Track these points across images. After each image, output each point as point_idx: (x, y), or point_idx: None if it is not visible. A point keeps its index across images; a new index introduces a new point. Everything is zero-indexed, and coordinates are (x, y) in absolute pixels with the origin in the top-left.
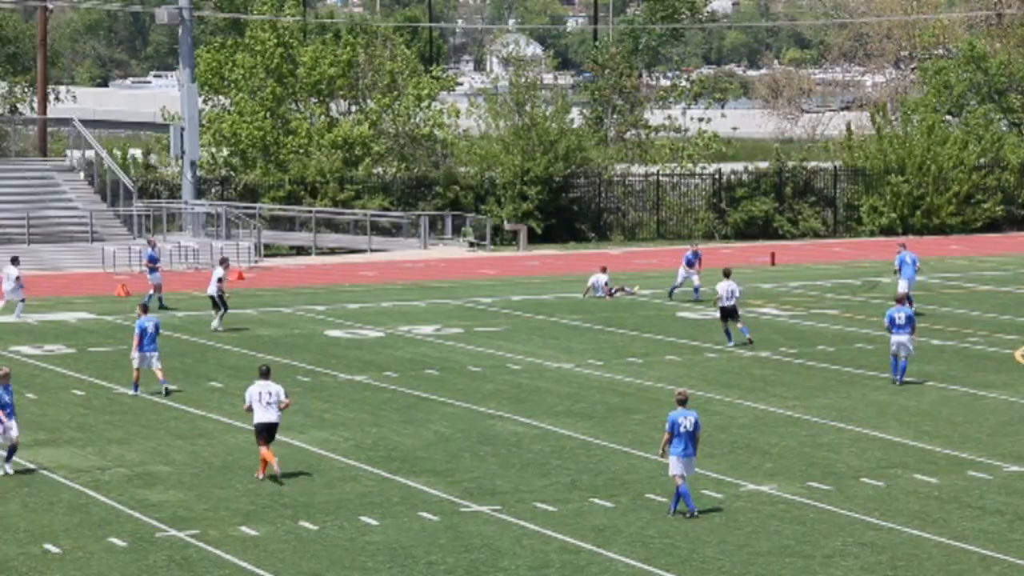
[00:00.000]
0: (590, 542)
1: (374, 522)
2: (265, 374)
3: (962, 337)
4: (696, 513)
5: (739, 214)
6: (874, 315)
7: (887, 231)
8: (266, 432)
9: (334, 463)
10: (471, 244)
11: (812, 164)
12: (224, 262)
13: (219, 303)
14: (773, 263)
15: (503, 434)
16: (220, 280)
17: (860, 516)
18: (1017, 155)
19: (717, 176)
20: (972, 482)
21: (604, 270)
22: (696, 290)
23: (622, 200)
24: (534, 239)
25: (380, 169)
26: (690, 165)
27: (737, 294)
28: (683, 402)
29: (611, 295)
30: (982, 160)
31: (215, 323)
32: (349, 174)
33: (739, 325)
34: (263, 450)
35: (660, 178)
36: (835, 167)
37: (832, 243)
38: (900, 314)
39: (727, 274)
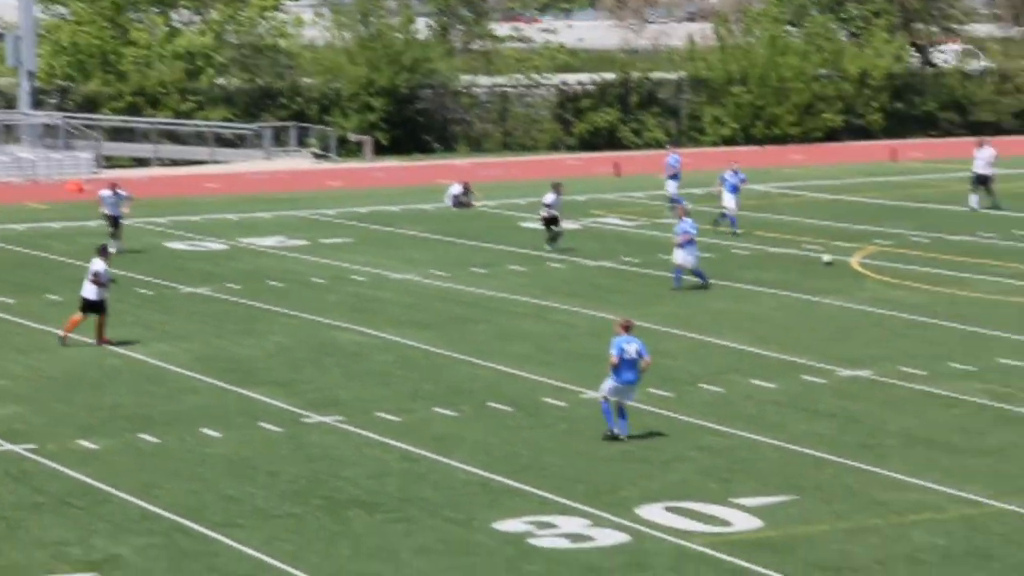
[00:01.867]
0: (431, 450)
1: (215, 434)
2: (99, 252)
3: (798, 244)
4: (620, 435)
5: (584, 125)
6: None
7: (729, 141)
8: (83, 305)
9: (174, 375)
10: (316, 156)
11: (656, 75)
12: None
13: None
14: (617, 174)
15: (345, 345)
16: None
17: (698, 421)
18: (856, 65)
19: (562, 87)
20: (807, 386)
21: (556, 187)
22: (723, 217)
23: (468, 111)
24: (380, 150)
25: (223, 80)
26: (536, 76)
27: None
28: (627, 328)
29: (462, 205)
30: (822, 70)
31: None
32: (191, 85)
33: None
34: (75, 316)
35: (506, 89)
36: (679, 78)
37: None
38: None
39: (556, 187)
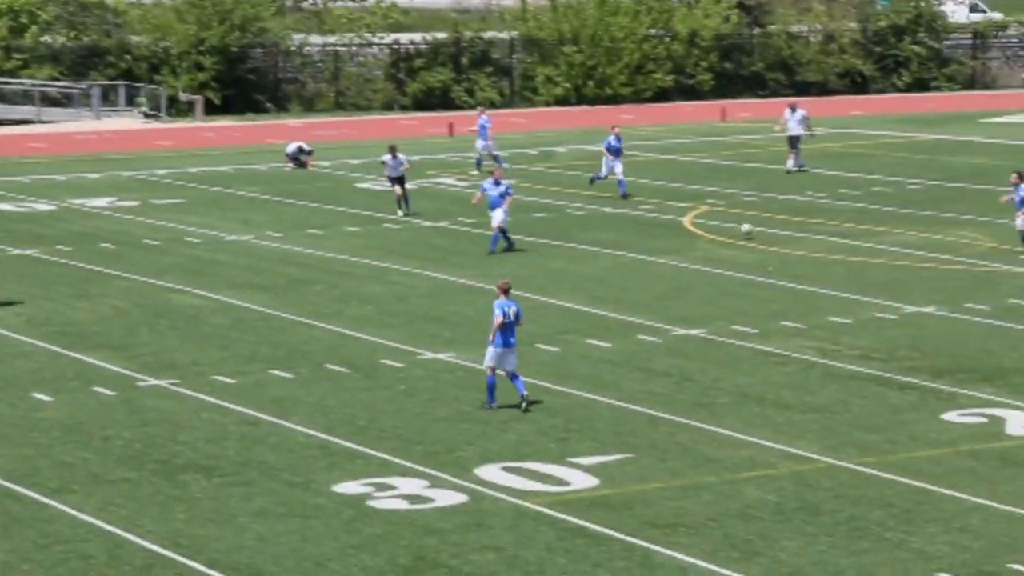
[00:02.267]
0: (269, 413)
1: (47, 398)
2: None
3: (633, 205)
4: (495, 406)
5: (417, 85)
6: (551, 184)
7: (562, 101)
8: None
9: (4, 339)
10: (146, 115)
11: (489, 34)
12: None
13: None
14: (451, 133)
15: (181, 307)
16: None
17: (536, 381)
18: (686, 25)
19: (395, 46)
20: (642, 345)
21: (393, 149)
22: (622, 184)
23: (300, 71)
24: (211, 110)
25: (48, 38)
26: (368, 35)
27: (406, 165)
28: (506, 291)
29: (301, 164)
30: (652, 30)
31: None
32: (15, 42)
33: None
34: None
35: (338, 48)
36: (511, 37)
37: (509, 113)
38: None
39: (392, 149)
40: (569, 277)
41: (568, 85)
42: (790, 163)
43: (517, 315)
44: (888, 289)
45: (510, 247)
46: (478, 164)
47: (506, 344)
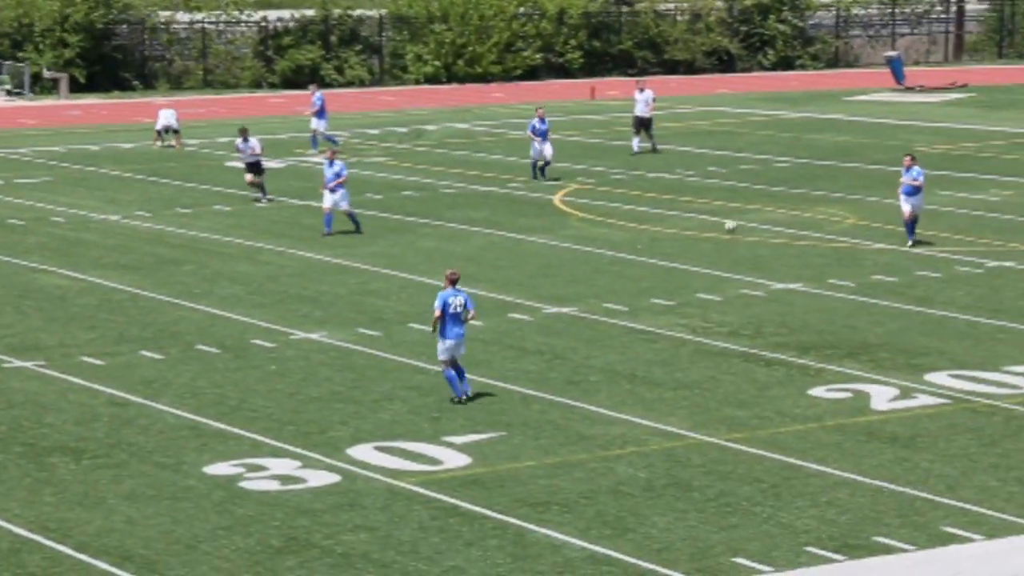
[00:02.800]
0: (139, 395)
1: None
2: None
3: (503, 183)
4: (464, 397)
5: (286, 63)
6: (420, 163)
7: (432, 79)
8: None
9: None
10: (9, 93)
11: (358, 12)
12: None
13: None
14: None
15: (47, 288)
16: None
17: (408, 360)
18: (554, 4)
19: (263, 24)
20: (514, 324)
21: (243, 132)
22: (545, 166)
23: (167, 48)
24: (76, 88)
25: None
26: (236, 12)
27: (258, 150)
28: (454, 282)
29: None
30: (521, 9)
31: None
32: None
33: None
34: None
35: (206, 25)
36: (380, 15)
37: (378, 91)
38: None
39: (243, 131)
40: (441, 256)
41: (438, 63)
42: (634, 144)
43: (465, 304)
44: (756, 266)
45: (357, 230)
46: (313, 142)
47: (455, 335)
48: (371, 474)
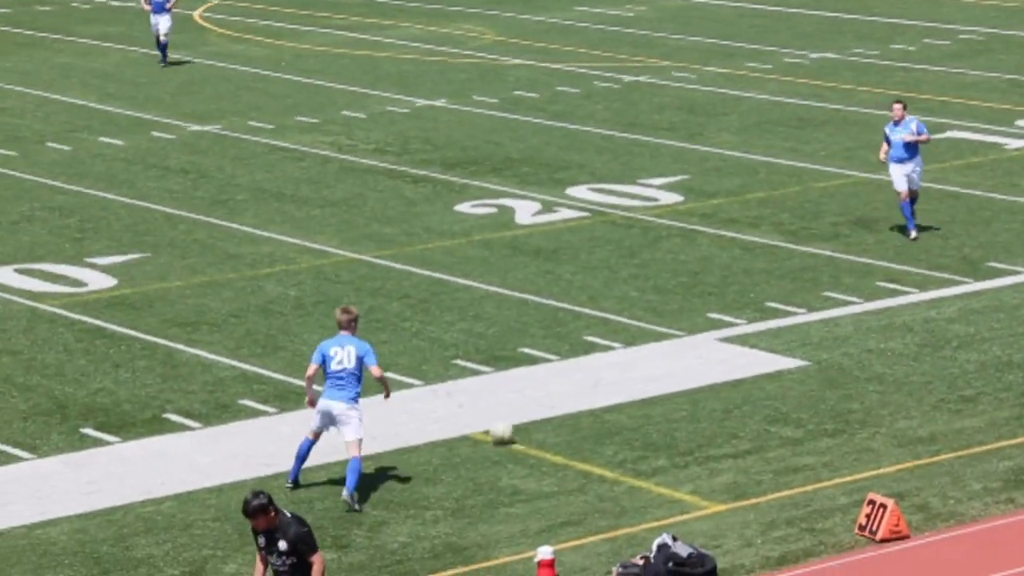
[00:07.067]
0: None
1: None
2: None
3: None
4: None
5: None
6: None
7: None
8: None
9: None
10: None
11: None
12: None
13: None
14: None
15: None
16: None
17: (46, 180)
18: None
19: None
20: (156, 143)
21: None
22: None
23: None
24: None
25: None
26: None
27: None
28: (349, 325)
29: None
30: None
31: None
32: None
33: None
34: None
35: None
36: None
37: None
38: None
39: None
40: (79, 72)
41: None
42: None
43: (360, 361)
44: (399, 83)
45: None
46: None
47: (333, 397)
48: (12, 297)
